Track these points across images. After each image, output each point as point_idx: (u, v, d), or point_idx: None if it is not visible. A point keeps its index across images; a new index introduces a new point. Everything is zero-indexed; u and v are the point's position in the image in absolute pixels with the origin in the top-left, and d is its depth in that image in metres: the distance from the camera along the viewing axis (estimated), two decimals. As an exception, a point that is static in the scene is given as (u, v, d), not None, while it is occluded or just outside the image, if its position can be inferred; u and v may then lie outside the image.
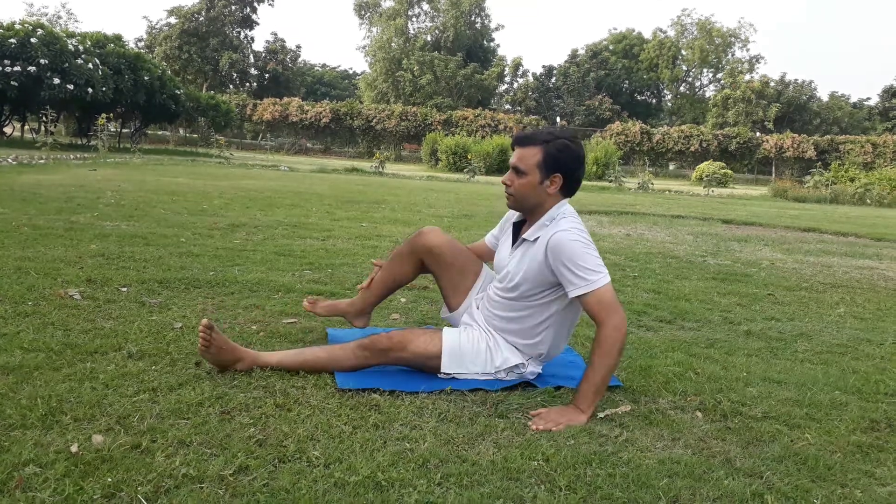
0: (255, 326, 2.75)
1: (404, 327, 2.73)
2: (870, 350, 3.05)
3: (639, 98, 54.67)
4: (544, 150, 2.24)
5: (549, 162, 2.24)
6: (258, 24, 52.27)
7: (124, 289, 3.17)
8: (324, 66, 65.78)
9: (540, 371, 2.39)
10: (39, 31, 17.12)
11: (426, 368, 2.29)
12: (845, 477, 1.77)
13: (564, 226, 2.21)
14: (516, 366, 2.31)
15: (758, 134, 36.92)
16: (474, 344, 2.31)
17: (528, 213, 2.35)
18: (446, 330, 2.36)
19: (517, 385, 2.29)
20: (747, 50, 60.49)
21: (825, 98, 50.18)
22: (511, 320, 2.33)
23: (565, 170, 2.26)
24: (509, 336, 2.33)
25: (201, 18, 47.47)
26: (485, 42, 52.40)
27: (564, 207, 2.30)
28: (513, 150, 2.31)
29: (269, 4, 58.73)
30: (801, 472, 1.77)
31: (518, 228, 2.41)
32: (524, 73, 52.34)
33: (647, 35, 53.99)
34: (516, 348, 2.33)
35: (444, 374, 2.27)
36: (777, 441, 1.96)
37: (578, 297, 2.15)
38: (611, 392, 2.28)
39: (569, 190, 2.31)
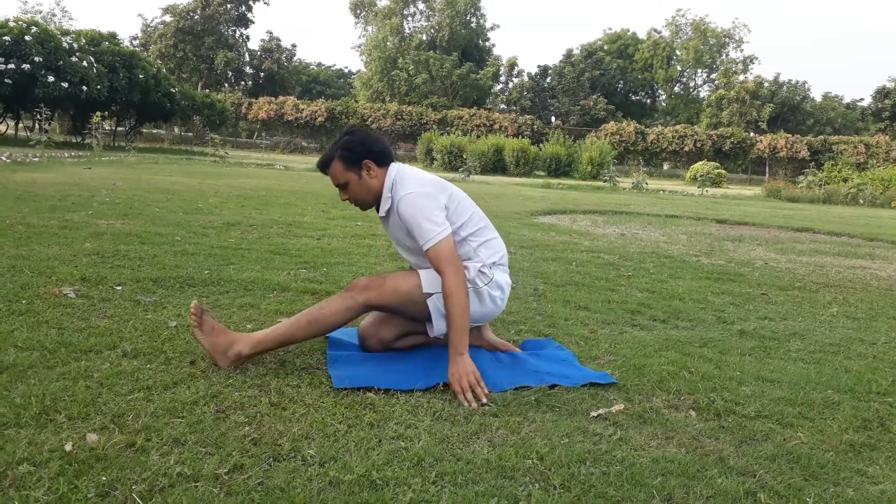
0: (251, 325, 2.75)
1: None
2: (862, 349, 3.06)
3: (633, 98, 54.75)
4: (339, 156, 2.45)
5: (350, 160, 2.45)
6: (253, 22, 52.29)
7: (119, 287, 3.16)
8: (319, 64, 65.65)
9: (509, 281, 2.59)
10: (34, 29, 17.05)
11: (409, 305, 2.40)
12: (838, 475, 1.78)
13: (401, 192, 2.44)
14: (482, 271, 2.47)
15: (752, 134, 37.06)
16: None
17: (374, 202, 2.53)
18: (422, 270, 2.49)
19: (510, 384, 2.30)
20: (741, 50, 60.71)
21: (818, 99, 50.37)
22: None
23: (366, 153, 2.46)
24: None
25: (196, 17, 47.37)
26: (480, 41, 52.43)
27: (394, 172, 2.50)
28: (327, 175, 2.52)
29: (265, 3, 58.58)
30: (794, 471, 1.78)
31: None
32: (519, 73, 52.36)
33: (642, 35, 54.13)
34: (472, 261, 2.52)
35: (426, 293, 2.39)
36: (770, 440, 1.97)
37: (425, 251, 2.37)
38: (605, 390, 2.29)
39: (384, 161, 2.50)
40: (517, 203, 10.51)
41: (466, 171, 19.64)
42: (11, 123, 21.03)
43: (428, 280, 2.41)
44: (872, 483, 1.76)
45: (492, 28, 54.98)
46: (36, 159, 11.96)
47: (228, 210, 6.53)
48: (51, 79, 16.66)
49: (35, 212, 5.30)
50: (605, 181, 20.79)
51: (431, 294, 2.40)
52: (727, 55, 51.96)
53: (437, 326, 2.41)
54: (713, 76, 51.96)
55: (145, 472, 1.54)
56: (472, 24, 51.61)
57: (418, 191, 2.43)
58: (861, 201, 18.59)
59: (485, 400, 2.14)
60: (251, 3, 49.40)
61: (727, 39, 51.46)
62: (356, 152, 2.45)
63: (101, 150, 16.32)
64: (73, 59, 17.32)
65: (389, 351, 2.60)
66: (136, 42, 46.61)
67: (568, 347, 2.77)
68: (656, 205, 12.49)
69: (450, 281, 2.32)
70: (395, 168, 2.52)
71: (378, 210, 2.53)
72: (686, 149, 34.55)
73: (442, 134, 28.81)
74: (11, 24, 17.02)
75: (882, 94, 45.78)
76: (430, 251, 2.36)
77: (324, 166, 2.50)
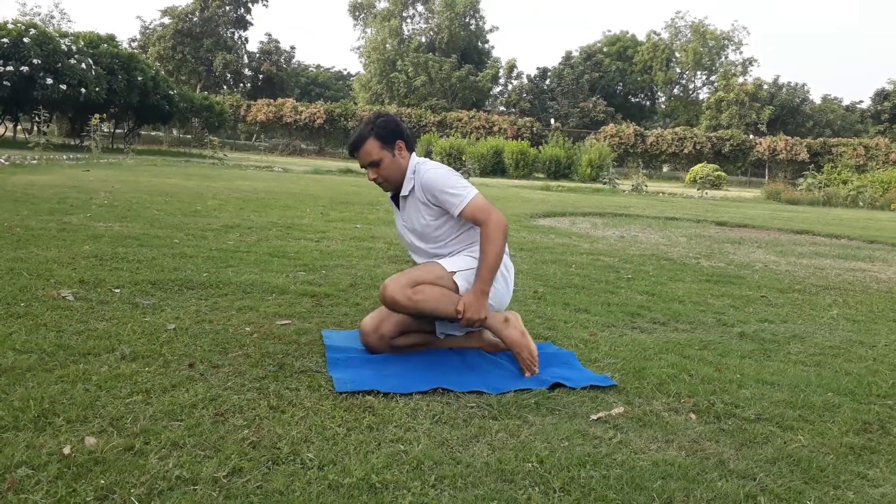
0: (249, 328, 2.74)
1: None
2: (862, 352, 3.06)
3: (633, 100, 54.74)
4: (375, 135, 2.58)
5: (385, 138, 2.58)
6: (252, 24, 52.22)
7: (117, 290, 3.16)
8: (318, 67, 65.62)
9: (511, 265, 2.74)
10: (32, 31, 17.04)
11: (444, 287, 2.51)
12: (838, 478, 1.78)
13: (424, 168, 2.60)
14: None
15: (751, 136, 37.02)
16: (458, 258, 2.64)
17: (399, 184, 2.65)
18: (442, 261, 2.62)
19: (510, 386, 2.29)
20: (740, 52, 60.54)
21: (818, 101, 50.38)
22: (451, 252, 2.65)
23: (399, 133, 2.61)
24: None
25: (195, 19, 47.36)
26: (479, 44, 52.42)
27: (415, 160, 2.66)
28: (355, 156, 2.63)
29: (263, 5, 58.58)
30: (794, 474, 1.78)
31: (396, 197, 2.73)
32: (518, 75, 52.36)
33: (641, 37, 54.10)
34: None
35: (450, 271, 2.54)
36: (770, 443, 1.97)
37: (460, 213, 2.51)
38: (605, 393, 2.29)
39: (411, 146, 2.67)
40: (517, 205, 10.51)
41: (466, 174, 19.65)
42: (10, 126, 21.01)
43: (449, 263, 2.58)
44: (873, 486, 1.76)
45: (491, 30, 55.11)
46: (34, 161, 11.95)
47: (227, 212, 6.53)
48: (49, 81, 16.66)
49: (33, 214, 5.30)
50: (604, 183, 20.79)
51: (456, 272, 2.54)
52: (726, 57, 51.99)
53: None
54: (712, 78, 51.97)
55: (144, 475, 1.53)
56: (472, 27, 51.61)
57: (441, 168, 2.62)
58: (861, 203, 18.61)
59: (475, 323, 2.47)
60: (250, 5, 49.41)
61: (726, 42, 51.48)
62: (392, 131, 2.60)
63: (100, 152, 16.32)
64: (72, 61, 17.31)
65: (390, 349, 2.60)
66: (134, 44, 46.54)
67: (568, 350, 2.76)
68: (656, 207, 12.50)
69: (492, 228, 2.45)
70: (416, 157, 2.68)
71: (400, 191, 2.66)
72: (685, 151, 34.55)
73: (441, 136, 28.84)
74: (10, 26, 17.02)
75: (881, 96, 45.81)
76: (466, 209, 2.50)
77: (355, 146, 2.61)
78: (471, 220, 2.52)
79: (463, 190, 2.52)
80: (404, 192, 2.65)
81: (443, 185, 2.53)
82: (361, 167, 2.65)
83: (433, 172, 2.56)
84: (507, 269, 2.67)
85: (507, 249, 2.71)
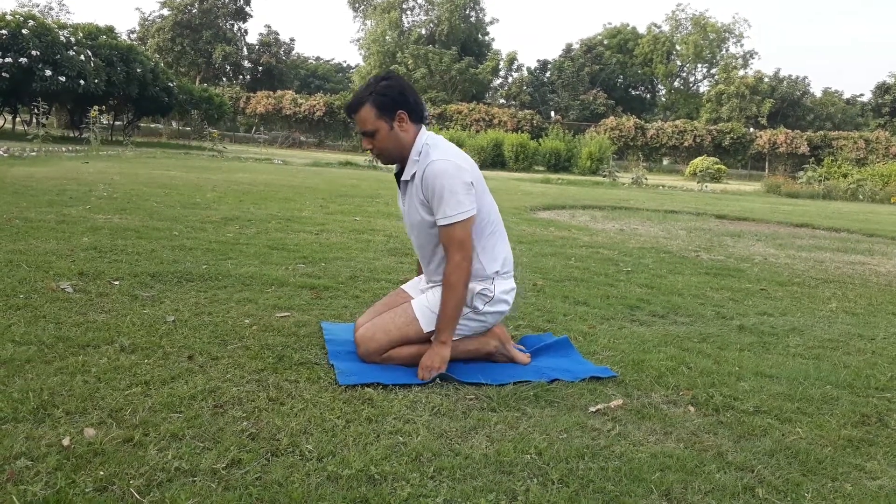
0: (248, 320, 2.74)
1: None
2: (861, 345, 3.06)
3: (633, 93, 54.67)
4: (373, 101, 2.27)
5: (384, 106, 2.28)
6: (251, 16, 52.23)
7: (116, 282, 3.16)
8: (318, 59, 65.40)
9: (513, 286, 2.48)
10: (31, 23, 17.00)
11: (414, 341, 2.36)
12: (836, 471, 1.78)
13: (434, 156, 2.29)
14: (483, 293, 2.38)
15: (751, 129, 37.01)
16: (439, 297, 2.36)
17: (400, 159, 2.39)
18: (412, 302, 2.43)
19: (510, 378, 2.30)
20: (741, 45, 60.36)
21: (818, 94, 50.38)
22: (442, 263, 2.38)
23: (402, 103, 2.29)
24: None
25: (194, 10, 47.23)
26: (479, 36, 52.28)
27: (425, 136, 2.36)
28: (352, 118, 2.34)
29: (263, -3, 58.36)
30: (792, 466, 1.78)
31: (400, 176, 2.45)
32: (519, 68, 52.31)
33: (642, 30, 54.01)
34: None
35: (427, 332, 2.35)
36: (768, 435, 1.97)
37: (440, 225, 2.28)
38: (603, 385, 2.29)
39: (418, 116, 2.34)
40: (516, 198, 10.50)
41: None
42: (9, 118, 20.97)
43: (423, 316, 2.38)
44: (870, 478, 1.76)
45: (491, 22, 55.10)
46: (33, 154, 11.93)
47: (226, 205, 6.52)
48: (48, 73, 16.62)
49: (32, 206, 5.29)
50: (604, 176, 20.78)
51: (433, 331, 2.35)
52: (727, 50, 51.88)
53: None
54: (713, 71, 51.88)
55: (143, 466, 1.53)
56: (472, 19, 51.45)
57: (454, 161, 2.29)
58: (860, 197, 18.61)
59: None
60: (249, -4, 49.27)
61: (727, 34, 51.35)
62: (393, 99, 2.28)
63: (99, 144, 16.27)
64: (71, 52, 17.27)
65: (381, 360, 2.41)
66: (133, 36, 46.45)
67: (569, 340, 2.76)
68: (656, 200, 12.49)
69: (453, 270, 2.26)
70: (428, 134, 2.37)
71: (402, 172, 2.39)
72: (686, 144, 34.51)
73: (441, 128, 28.78)
74: (8, 17, 16.96)
75: (882, 89, 45.73)
76: (446, 229, 2.26)
77: (352, 109, 2.31)
78: (441, 240, 2.30)
79: (453, 208, 2.24)
80: (406, 175, 2.35)
81: (441, 191, 2.24)
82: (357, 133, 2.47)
83: (442, 165, 2.25)
84: (503, 301, 2.44)
85: (511, 267, 2.51)
